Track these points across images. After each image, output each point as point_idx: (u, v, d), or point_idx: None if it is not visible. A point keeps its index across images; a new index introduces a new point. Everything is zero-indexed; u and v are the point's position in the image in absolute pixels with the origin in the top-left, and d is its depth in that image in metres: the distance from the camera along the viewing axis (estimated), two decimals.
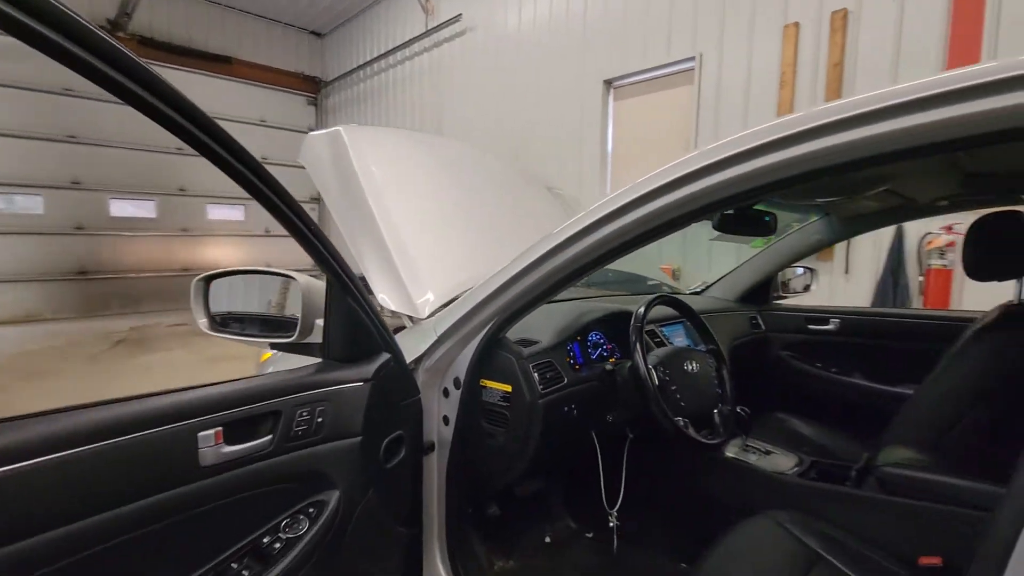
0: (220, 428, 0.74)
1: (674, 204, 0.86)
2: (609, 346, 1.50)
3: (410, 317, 1.26)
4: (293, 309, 0.99)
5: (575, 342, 1.41)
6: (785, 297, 2.37)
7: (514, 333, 1.28)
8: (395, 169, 1.47)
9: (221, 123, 0.65)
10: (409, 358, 1.11)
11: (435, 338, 1.15)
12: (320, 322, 0.97)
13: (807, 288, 2.38)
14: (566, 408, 1.27)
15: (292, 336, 0.96)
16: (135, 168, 7.81)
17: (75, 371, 4.92)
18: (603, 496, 1.45)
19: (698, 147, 4.70)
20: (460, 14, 6.74)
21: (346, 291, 0.92)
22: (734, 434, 1.47)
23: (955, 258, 3.42)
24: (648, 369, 1.28)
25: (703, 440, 1.31)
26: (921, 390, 1.38)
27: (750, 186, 0.78)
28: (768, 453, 1.55)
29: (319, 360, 0.98)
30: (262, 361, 1.78)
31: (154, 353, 5.73)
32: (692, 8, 4.62)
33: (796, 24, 4.02)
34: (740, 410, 1.47)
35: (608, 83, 5.37)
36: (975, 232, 1.33)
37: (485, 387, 1.24)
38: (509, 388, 1.21)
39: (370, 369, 0.97)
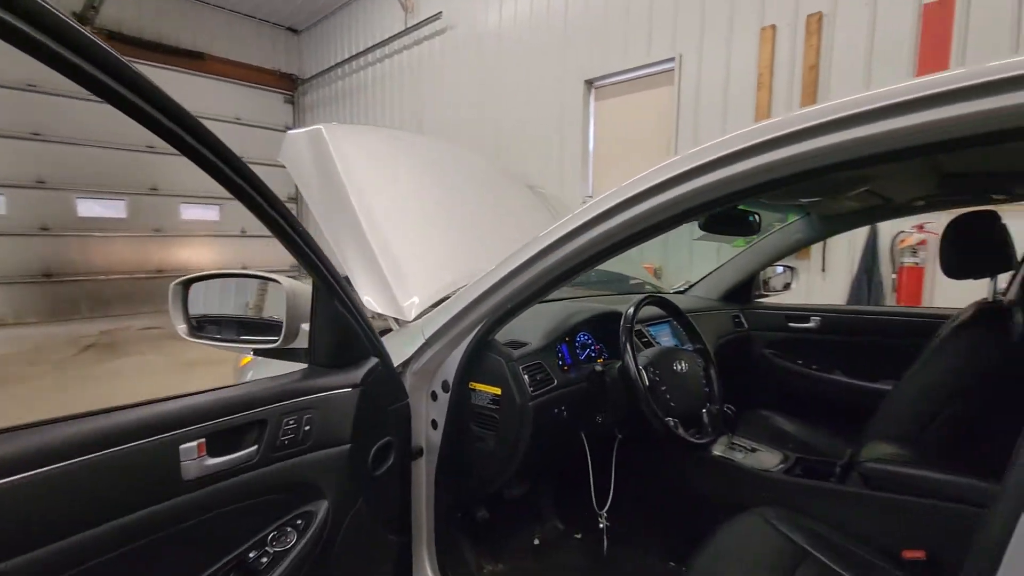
0: (203, 440, 0.71)
1: (663, 206, 0.85)
2: (597, 347, 1.50)
3: (396, 319, 1.24)
4: (277, 313, 0.96)
5: (563, 343, 1.40)
6: (767, 295, 2.40)
7: (502, 335, 1.27)
8: (377, 168, 1.45)
9: None
10: (396, 361, 1.08)
11: (423, 341, 1.13)
12: (306, 326, 0.94)
13: (787, 286, 2.42)
14: (556, 410, 1.26)
15: (276, 341, 0.93)
16: (104, 167, 7.58)
17: (42, 377, 4.74)
18: (593, 497, 1.45)
19: (678, 147, 4.74)
20: (440, 11, 6.69)
21: (333, 294, 0.89)
22: (721, 432, 1.48)
23: (927, 256, 3.52)
24: (639, 370, 1.28)
25: (693, 440, 1.31)
26: (900, 386, 1.41)
27: (742, 186, 0.78)
28: (754, 451, 1.57)
29: (305, 366, 0.95)
30: (241, 366, 1.73)
31: (126, 358, 5.55)
32: (672, 8, 4.67)
33: (773, 27, 4.09)
34: (726, 408, 1.48)
35: (589, 83, 5.40)
36: (952, 231, 1.36)
37: (474, 390, 1.23)
38: (499, 391, 1.20)
39: (358, 374, 0.95)
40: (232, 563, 0.76)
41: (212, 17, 8.75)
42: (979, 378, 1.27)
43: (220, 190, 0.69)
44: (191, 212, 8.50)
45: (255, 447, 0.79)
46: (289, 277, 0.99)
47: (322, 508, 0.87)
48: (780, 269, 2.39)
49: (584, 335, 1.48)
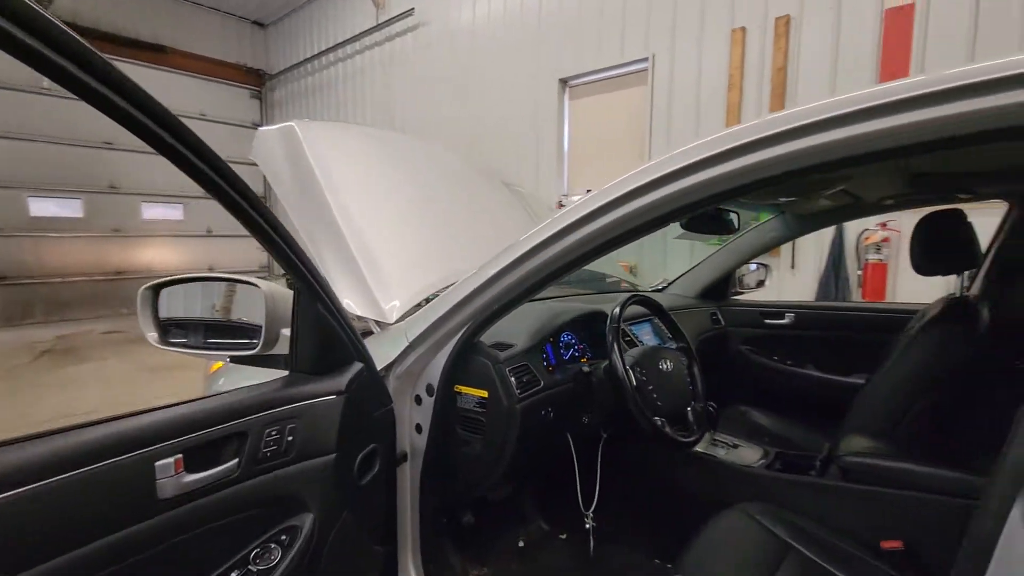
0: (180, 455, 0.67)
1: (649, 207, 0.85)
2: (580, 346, 1.49)
3: (377, 322, 1.20)
4: (254, 318, 0.92)
5: (548, 344, 1.39)
6: (742, 293, 2.45)
7: (486, 337, 1.25)
8: (352, 166, 1.41)
9: None
10: (379, 365, 1.05)
11: (407, 343, 1.10)
12: (286, 332, 0.90)
13: (761, 284, 2.47)
14: (543, 411, 1.25)
15: (255, 347, 0.89)
16: (58, 164, 7.23)
17: None
18: (579, 497, 1.45)
19: (652, 147, 4.76)
20: (412, 8, 6.60)
21: (316, 298, 0.86)
22: (705, 430, 1.49)
23: (890, 252, 3.65)
24: (626, 370, 1.28)
25: (680, 439, 1.32)
26: (874, 381, 1.45)
27: (725, 187, 0.78)
28: (735, 447, 1.59)
29: (286, 373, 0.91)
30: (211, 373, 1.65)
31: (85, 364, 5.30)
32: (645, 8, 4.71)
33: (743, 29, 4.17)
34: (709, 406, 1.50)
35: (564, 82, 5.41)
36: (921, 230, 1.40)
37: (460, 393, 1.21)
38: (485, 393, 1.18)
39: (342, 381, 0.91)
40: None
41: (174, 9, 8.45)
42: (947, 372, 1.31)
43: (184, 189, 0.66)
44: (153, 211, 8.15)
45: (236, 460, 0.75)
46: (260, 279, 0.95)
47: (307, 522, 0.84)
48: (754, 267, 2.44)
49: (568, 335, 1.47)
